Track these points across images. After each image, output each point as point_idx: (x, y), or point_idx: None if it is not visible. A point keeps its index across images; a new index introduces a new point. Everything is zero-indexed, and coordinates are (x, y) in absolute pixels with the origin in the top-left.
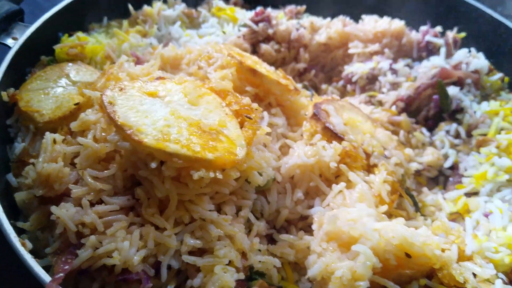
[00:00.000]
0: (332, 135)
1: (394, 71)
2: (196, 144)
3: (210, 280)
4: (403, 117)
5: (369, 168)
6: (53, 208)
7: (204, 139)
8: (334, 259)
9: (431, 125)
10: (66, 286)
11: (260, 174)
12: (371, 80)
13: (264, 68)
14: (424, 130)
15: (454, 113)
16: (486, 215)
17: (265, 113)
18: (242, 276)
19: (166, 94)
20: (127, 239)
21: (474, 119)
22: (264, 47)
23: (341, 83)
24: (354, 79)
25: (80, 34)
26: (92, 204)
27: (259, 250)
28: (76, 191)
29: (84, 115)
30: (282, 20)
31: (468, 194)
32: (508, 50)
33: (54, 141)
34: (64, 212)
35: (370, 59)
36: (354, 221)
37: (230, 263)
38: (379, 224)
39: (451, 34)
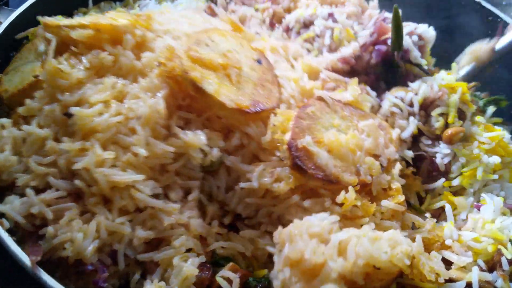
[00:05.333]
0: (326, 183)
1: (335, 20)
2: None
3: (171, 273)
4: (351, 80)
5: (372, 197)
6: None
7: None
8: None
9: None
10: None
11: (205, 154)
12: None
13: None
14: (369, 89)
15: (405, 80)
16: (478, 207)
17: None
18: (203, 259)
19: None
20: (82, 229)
21: (433, 92)
22: None
23: (279, 31)
24: (290, 25)
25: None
26: (40, 192)
27: (220, 234)
28: (21, 179)
29: (30, 101)
30: None
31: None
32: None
33: (3, 127)
34: (8, 207)
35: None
36: (317, 236)
37: (189, 250)
38: (343, 236)
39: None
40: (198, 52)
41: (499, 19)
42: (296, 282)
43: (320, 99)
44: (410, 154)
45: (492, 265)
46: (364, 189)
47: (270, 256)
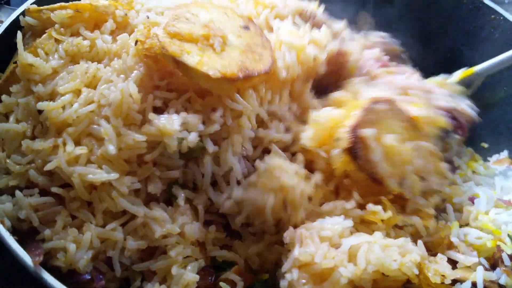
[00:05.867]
0: (369, 180)
1: None
2: None
3: (170, 283)
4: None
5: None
6: None
7: None
8: None
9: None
10: None
11: (181, 140)
12: None
13: (198, 56)
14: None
15: None
16: (472, 200)
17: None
18: (203, 263)
19: None
20: (76, 239)
21: None
22: None
23: None
24: None
25: None
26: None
27: (217, 239)
28: (1, 180)
29: (6, 96)
30: None
31: None
32: None
33: None
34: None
35: None
36: (328, 240)
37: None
38: (354, 241)
39: None
40: (176, 27)
41: (501, 17)
42: (305, 284)
43: (390, 102)
44: None
45: (493, 262)
46: (398, 202)
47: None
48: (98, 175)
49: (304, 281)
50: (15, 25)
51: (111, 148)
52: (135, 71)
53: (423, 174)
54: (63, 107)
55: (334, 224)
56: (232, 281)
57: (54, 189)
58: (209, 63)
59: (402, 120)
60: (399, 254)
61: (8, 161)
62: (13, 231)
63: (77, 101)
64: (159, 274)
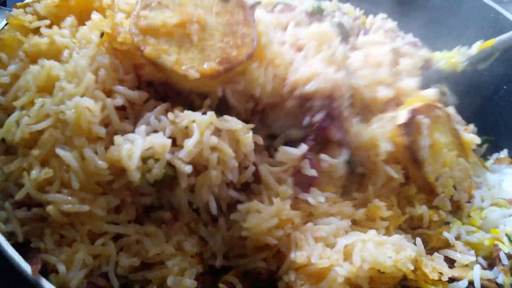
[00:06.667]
0: (410, 160)
1: None
2: None
3: None
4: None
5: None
6: None
7: None
8: None
9: None
10: None
11: (147, 170)
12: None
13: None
14: None
15: None
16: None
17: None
18: (200, 269)
19: None
20: (67, 259)
21: None
22: None
23: None
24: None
25: None
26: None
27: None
28: None
29: None
30: None
31: None
32: None
33: None
34: None
35: None
36: (323, 240)
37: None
38: (349, 240)
39: None
40: (147, 18)
41: (501, 16)
42: (302, 285)
43: (448, 115)
44: None
45: (491, 261)
46: (425, 190)
47: None
48: (71, 205)
49: (301, 282)
50: None
51: (75, 183)
52: (98, 67)
53: (457, 185)
54: (17, 122)
55: (329, 223)
56: (231, 284)
57: (34, 210)
58: (186, 60)
59: (453, 134)
60: (394, 251)
61: None
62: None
63: (29, 114)
64: (154, 283)
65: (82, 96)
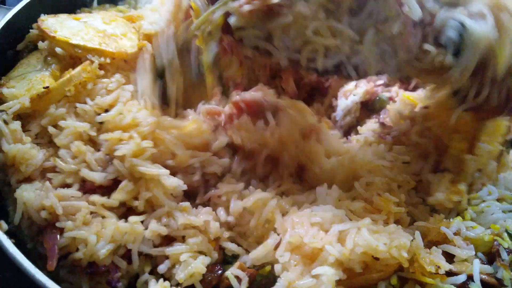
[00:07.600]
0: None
1: None
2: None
3: (179, 268)
4: None
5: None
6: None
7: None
8: (297, 274)
9: None
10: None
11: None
12: None
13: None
14: None
15: None
16: None
17: None
18: (216, 256)
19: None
20: (98, 232)
21: None
22: None
23: None
24: None
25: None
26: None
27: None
28: (56, 179)
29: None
30: None
31: None
32: None
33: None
34: (25, 195)
35: None
36: (318, 225)
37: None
38: (344, 227)
39: None
40: None
41: None
42: (296, 265)
43: None
44: None
45: (491, 257)
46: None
47: None
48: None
49: (295, 262)
50: (10, 25)
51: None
52: None
53: (482, 166)
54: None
55: (325, 210)
56: (237, 277)
57: (109, 169)
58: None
59: None
60: (388, 239)
61: (57, 159)
62: (11, 234)
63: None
64: (171, 259)
65: None
